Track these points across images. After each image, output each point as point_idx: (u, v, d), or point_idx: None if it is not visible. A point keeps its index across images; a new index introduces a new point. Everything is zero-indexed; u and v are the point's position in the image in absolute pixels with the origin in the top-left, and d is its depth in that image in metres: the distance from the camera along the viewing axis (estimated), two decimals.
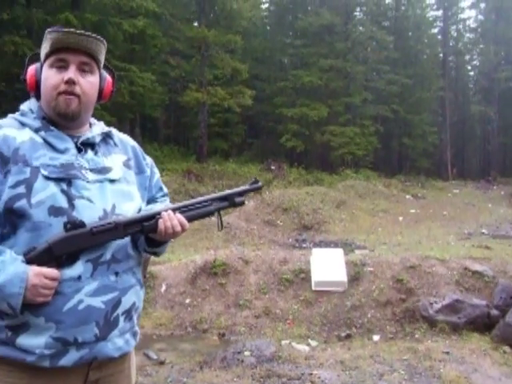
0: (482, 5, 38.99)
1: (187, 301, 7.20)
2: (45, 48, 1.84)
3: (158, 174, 2.16)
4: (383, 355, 5.73)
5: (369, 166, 28.51)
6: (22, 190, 1.71)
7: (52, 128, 1.85)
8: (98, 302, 1.75)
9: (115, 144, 2.01)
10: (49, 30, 1.81)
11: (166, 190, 2.18)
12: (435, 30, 39.28)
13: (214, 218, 12.61)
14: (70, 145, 1.85)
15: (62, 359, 1.71)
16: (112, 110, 17.70)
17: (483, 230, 14.29)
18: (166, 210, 1.89)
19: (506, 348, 5.98)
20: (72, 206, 1.75)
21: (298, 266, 7.71)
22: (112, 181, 1.88)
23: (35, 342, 1.69)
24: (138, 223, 1.86)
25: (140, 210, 1.97)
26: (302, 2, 31.70)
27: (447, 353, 5.80)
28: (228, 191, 2.06)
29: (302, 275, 7.58)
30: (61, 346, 1.70)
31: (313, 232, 14.44)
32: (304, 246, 11.87)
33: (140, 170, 2.06)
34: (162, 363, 5.55)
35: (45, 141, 1.82)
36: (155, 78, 20.94)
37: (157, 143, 26.60)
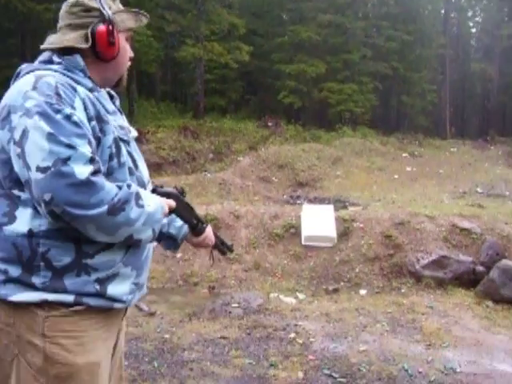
0: None
1: (178, 255, 7.30)
2: (128, 19, 1.84)
3: None
4: (368, 308, 5.87)
5: (366, 123, 28.28)
6: (113, 149, 1.71)
7: (100, 89, 1.81)
8: (151, 248, 1.94)
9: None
10: (132, 10, 1.86)
11: None
12: None
13: (208, 174, 12.58)
14: (113, 106, 1.86)
15: (133, 300, 1.86)
16: None
17: (478, 189, 14.32)
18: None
19: (489, 303, 6.11)
20: (136, 166, 1.82)
21: (288, 222, 7.79)
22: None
23: (122, 289, 1.78)
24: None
25: None
26: None
27: (431, 307, 5.94)
28: None
29: (292, 230, 7.67)
30: (135, 290, 1.85)
31: (308, 189, 14.50)
32: (298, 202, 11.93)
33: None
34: (152, 314, 5.68)
35: (98, 101, 1.75)
36: (151, 33, 20.63)
37: (154, 99, 26.38)
